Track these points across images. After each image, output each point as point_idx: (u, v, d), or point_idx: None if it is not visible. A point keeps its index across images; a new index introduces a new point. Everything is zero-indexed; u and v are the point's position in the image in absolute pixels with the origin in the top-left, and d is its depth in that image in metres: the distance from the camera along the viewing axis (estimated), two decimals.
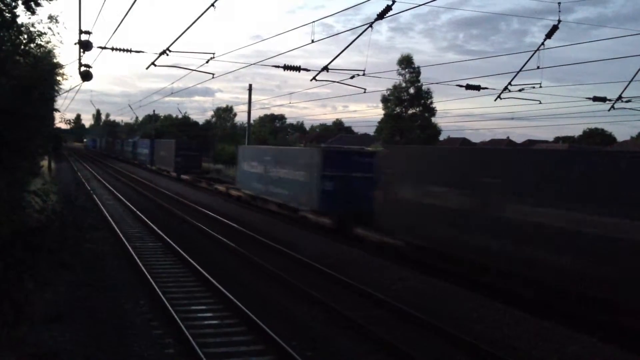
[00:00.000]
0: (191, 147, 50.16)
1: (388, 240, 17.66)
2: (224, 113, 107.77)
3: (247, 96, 42.10)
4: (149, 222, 21.80)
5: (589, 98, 17.70)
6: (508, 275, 13.04)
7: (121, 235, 18.82)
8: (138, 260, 15.01)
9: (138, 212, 24.76)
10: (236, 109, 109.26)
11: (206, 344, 9.28)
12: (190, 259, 15.31)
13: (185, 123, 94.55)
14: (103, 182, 41.54)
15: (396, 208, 17.39)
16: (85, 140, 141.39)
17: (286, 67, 17.07)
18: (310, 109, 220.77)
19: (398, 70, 56.65)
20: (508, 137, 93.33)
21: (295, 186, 23.57)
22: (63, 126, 49.97)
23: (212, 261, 15.94)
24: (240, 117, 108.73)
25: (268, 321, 10.15)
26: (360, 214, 19.45)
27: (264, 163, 27.79)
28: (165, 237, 18.66)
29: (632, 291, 10.21)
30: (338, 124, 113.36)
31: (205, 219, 24.37)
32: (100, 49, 16.28)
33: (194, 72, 18.80)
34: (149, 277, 13.24)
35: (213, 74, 19.35)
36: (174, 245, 17.38)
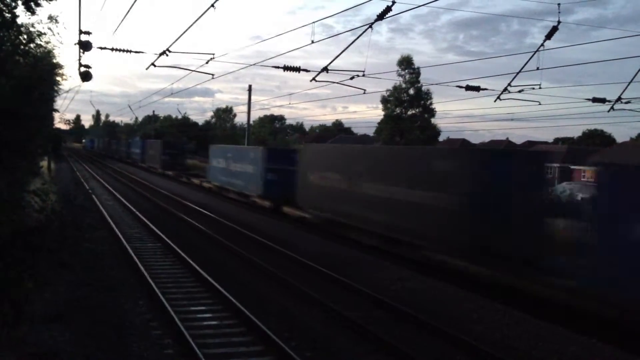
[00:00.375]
0: (176, 147, 55.87)
1: (302, 214, 23.58)
2: (224, 114, 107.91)
3: (247, 97, 42.23)
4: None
5: (589, 99, 17.71)
6: (366, 232, 18.68)
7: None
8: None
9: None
10: (236, 109, 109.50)
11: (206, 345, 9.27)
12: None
13: (184, 124, 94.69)
14: (100, 180, 43.66)
15: (307, 190, 23.39)
16: (84, 140, 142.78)
17: (286, 68, 17.08)
18: (310, 109, 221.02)
19: (398, 71, 56.63)
20: (507, 138, 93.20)
21: (248, 177, 29.86)
22: (63, 126, 50.62)
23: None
24: (240, 118, 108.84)
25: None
26: (293, 196, 24.88)
27: (227, 160, 33.92)
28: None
29: (420, 235, 15.94)
30: (338, 124, 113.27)
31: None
32: (100, 49, 16.29)
33: (194, 72, 18.82)
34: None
35: (213, 75, 19.40)
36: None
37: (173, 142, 60.97)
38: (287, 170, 26.17)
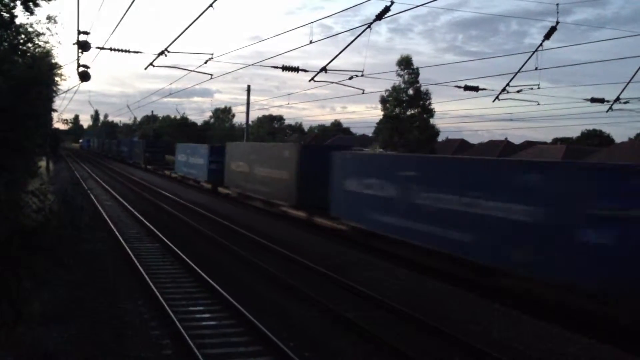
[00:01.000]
0: (157, 145, 65.73)
1: (228, 192, 33.20)
2: (222, 114, 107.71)
3: (246, 97, 42.24)
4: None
5: (587, 99, 17.77)
6: (258, 200, 28.24)
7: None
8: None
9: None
10: (235, 109, 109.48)
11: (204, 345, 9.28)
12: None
13: (183, 124, 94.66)
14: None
15: (230, 174, 33.19)
16: (80, 141, 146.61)
17: (284, 68, 17.10)
18: (309, 109, 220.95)
19: (397, 71, 56.52)
20: (506, 138, 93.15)
21: (199, 168, 39.36)
22: (61, 126, 51.31)
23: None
24: (239, 118, 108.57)
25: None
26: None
27: (187, 155, 43.22)
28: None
29: (278, 197, 25.39)
30: (336, 124, 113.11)
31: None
32: (98, 50, 16.30)
33: (193, 72, 18.83)
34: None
35: (211, 75, 19.46)
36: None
37: (154, 141, 71.70)
38: (224, 162, 34.67)
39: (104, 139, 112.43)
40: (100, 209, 25.33)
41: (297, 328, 10.45)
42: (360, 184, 18.70)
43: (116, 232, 19.33)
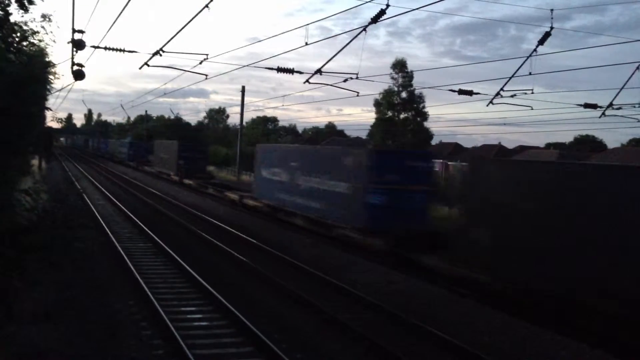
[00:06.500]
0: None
1: (191, 182, 40.91)
2: (217, 114, 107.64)
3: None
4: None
5: (581, 105, 17.86)
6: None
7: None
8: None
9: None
10: (230, 110, 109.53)
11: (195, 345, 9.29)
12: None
13: (177, 124, 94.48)
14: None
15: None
16: (62, 139, 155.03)
17: (279, 70, 17.07)
18: (305, 111, 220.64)
19: (391, 74, 56.61)
20: (500, 143, 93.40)
21: (170, 163, 47.09)
22: (55, 125, 51.36)
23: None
24: (234, 119, 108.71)
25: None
26: (197, 175, 42.93)
27: (162, 151, 50.86)
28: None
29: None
30: (331, 127, 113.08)
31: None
32: (93, 48, 16.22)
33: (188, 73, 18.77)
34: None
35: (206, 75, 19.36)
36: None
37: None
38: (192, 157, 43.86)
39: (86, 138, 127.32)
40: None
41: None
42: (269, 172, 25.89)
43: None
